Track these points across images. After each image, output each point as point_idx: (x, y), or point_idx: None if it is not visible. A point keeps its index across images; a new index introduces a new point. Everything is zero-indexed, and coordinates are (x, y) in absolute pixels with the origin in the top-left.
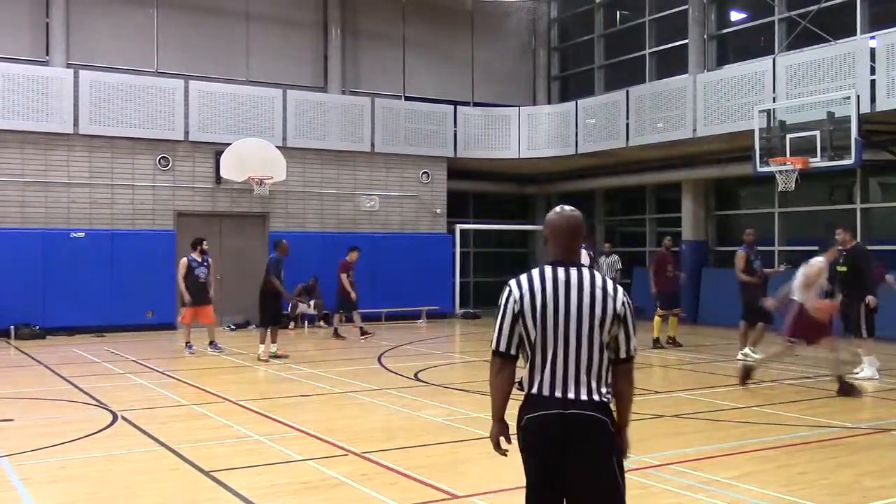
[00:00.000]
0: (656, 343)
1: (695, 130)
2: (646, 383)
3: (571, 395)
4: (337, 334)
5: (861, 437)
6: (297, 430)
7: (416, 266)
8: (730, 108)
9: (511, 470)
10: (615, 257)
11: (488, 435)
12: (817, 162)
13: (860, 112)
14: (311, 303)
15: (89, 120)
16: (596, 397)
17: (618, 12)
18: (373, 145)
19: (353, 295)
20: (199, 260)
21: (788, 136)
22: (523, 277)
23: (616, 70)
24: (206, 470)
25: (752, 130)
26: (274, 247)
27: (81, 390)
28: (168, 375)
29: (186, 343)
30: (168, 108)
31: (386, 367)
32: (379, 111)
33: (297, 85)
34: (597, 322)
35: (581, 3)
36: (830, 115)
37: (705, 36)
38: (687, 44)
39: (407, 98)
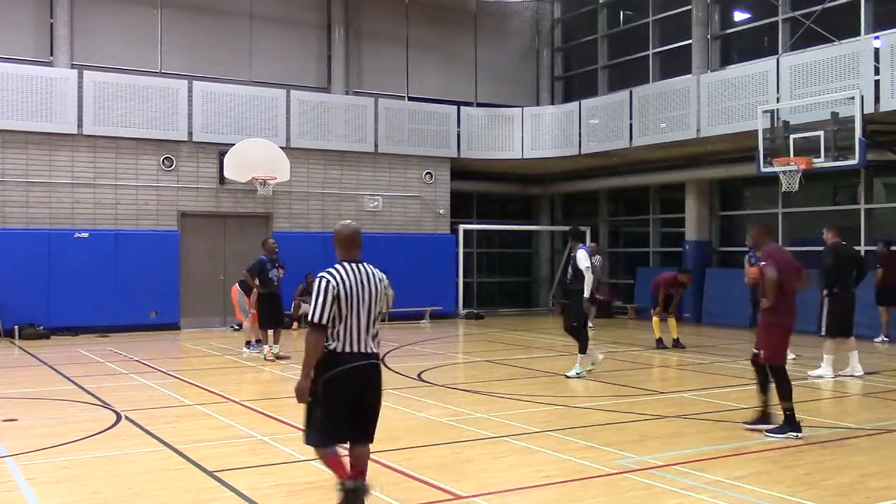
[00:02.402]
0: (659, 343)
1: (698, 131)
2: (648, 384)
3: (367, 350)
4: None
5: (865, 438)
6: (301, 430)
7: (420, 266)
8: (733, 108)
9: (515, 470)
10: (598, 257)
11: (295, 390)
12: (821, 162)
13: (864, 112)
14: None
15: (93, 120)
16: (377, 350)
17: (621, 12)
18: (376, 145)
19: None
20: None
21: (792, 137)
22: (333, 272)
23: (619, 70)
24: (209, 470)
25: (756, 131)
26: (261, 246)
27: (85, 390)
28: (172, 375)
29: (257, 341)
30: (172, 109)
31: (389, 368)
32: (382, 111)
33: (301, 85)
34: (379, 300)
35: (584, 3)
36: (834, 115)
37: (709, 36)
38: (690, 44)
39: (410, 98)
